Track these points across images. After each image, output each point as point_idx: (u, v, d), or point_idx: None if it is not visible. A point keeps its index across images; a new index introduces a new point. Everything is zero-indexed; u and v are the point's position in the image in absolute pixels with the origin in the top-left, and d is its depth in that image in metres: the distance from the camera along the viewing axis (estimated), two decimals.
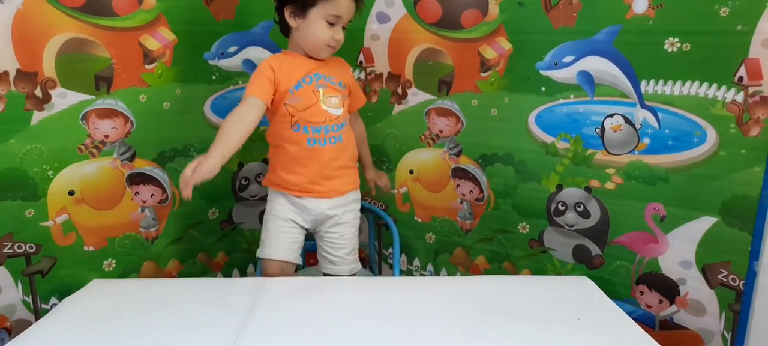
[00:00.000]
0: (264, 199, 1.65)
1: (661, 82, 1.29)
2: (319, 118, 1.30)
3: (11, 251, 1.28)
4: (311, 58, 1.33)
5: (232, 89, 1.56)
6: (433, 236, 1.72)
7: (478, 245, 1.64)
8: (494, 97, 1.52)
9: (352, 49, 1.65)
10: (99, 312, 1.12)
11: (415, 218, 1.72)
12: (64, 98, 1.30)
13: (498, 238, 1.60)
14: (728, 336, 1.26)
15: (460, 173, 1.63)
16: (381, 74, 1.66)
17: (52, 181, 1.32)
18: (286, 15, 1.29)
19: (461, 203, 1.65)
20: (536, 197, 1.51)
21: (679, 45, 1.25)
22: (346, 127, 1.37)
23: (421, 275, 1.76)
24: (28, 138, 1.27)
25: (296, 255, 1.37)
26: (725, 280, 1.25)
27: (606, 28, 1.33)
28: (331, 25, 1.28)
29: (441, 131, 1.63)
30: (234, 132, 1.18)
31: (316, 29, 1.27)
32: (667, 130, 1.30)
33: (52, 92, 1.29)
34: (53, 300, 1.35)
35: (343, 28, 1.31)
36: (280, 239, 1.35)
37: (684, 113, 1.27)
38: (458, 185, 1.64)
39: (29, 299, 1.32)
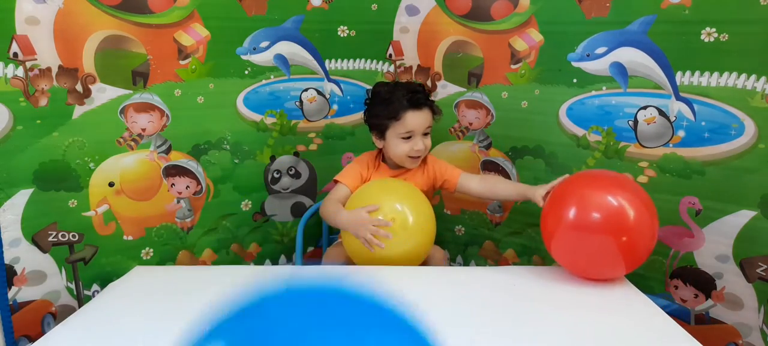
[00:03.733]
0: (295, 192, 1.68)
1: (697, 73, 1.26)
2: None
3: (55, 239, 1.34)
4: (399, 166, 1.43)
5: (263, 83, 1.59)
6: (463, 229, 1.72)
7: (508, 238, 1.64)
8: (525, 89, 1.51)
9: (381, 42, 1.65)
10: (142, 297, 1.17)
11: (445, 210, 1.72)
12: (103, 93, 1.35)
13: (527, 231, 1.59)
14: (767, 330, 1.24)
15: (489, 166, 1.62)
16: (410, 67, 1.66)
17: (94, 172, 1.37)
18: (373, 139, 1.44)
19: None
20: None
21: (715, 35, 1.22)
22: None
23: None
24: (70, 131, 1.33)
25: None
26: (764, 274, 1.22)
27: (640, 18, 1.30)
28: (408, 138, 1.36)
29: (471, 124, 1.63)
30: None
31: (395, 147, 1.39)
32: (703, 123, 1.27)
33: (91, 87, 1.34)
34: (95, 287, 1.41)
35: (427, 134, 1.39)
36: None
37: (721, 105, 1.24)
38: None
39: (72, 286, 1.38)
